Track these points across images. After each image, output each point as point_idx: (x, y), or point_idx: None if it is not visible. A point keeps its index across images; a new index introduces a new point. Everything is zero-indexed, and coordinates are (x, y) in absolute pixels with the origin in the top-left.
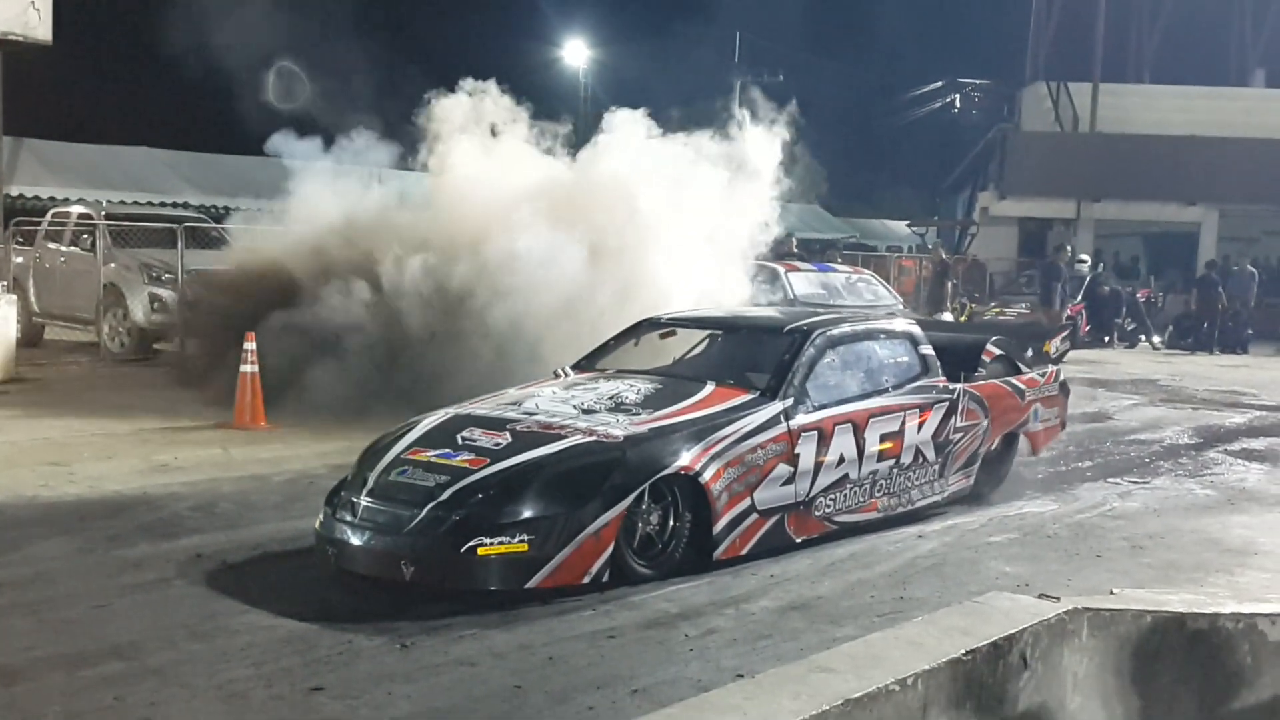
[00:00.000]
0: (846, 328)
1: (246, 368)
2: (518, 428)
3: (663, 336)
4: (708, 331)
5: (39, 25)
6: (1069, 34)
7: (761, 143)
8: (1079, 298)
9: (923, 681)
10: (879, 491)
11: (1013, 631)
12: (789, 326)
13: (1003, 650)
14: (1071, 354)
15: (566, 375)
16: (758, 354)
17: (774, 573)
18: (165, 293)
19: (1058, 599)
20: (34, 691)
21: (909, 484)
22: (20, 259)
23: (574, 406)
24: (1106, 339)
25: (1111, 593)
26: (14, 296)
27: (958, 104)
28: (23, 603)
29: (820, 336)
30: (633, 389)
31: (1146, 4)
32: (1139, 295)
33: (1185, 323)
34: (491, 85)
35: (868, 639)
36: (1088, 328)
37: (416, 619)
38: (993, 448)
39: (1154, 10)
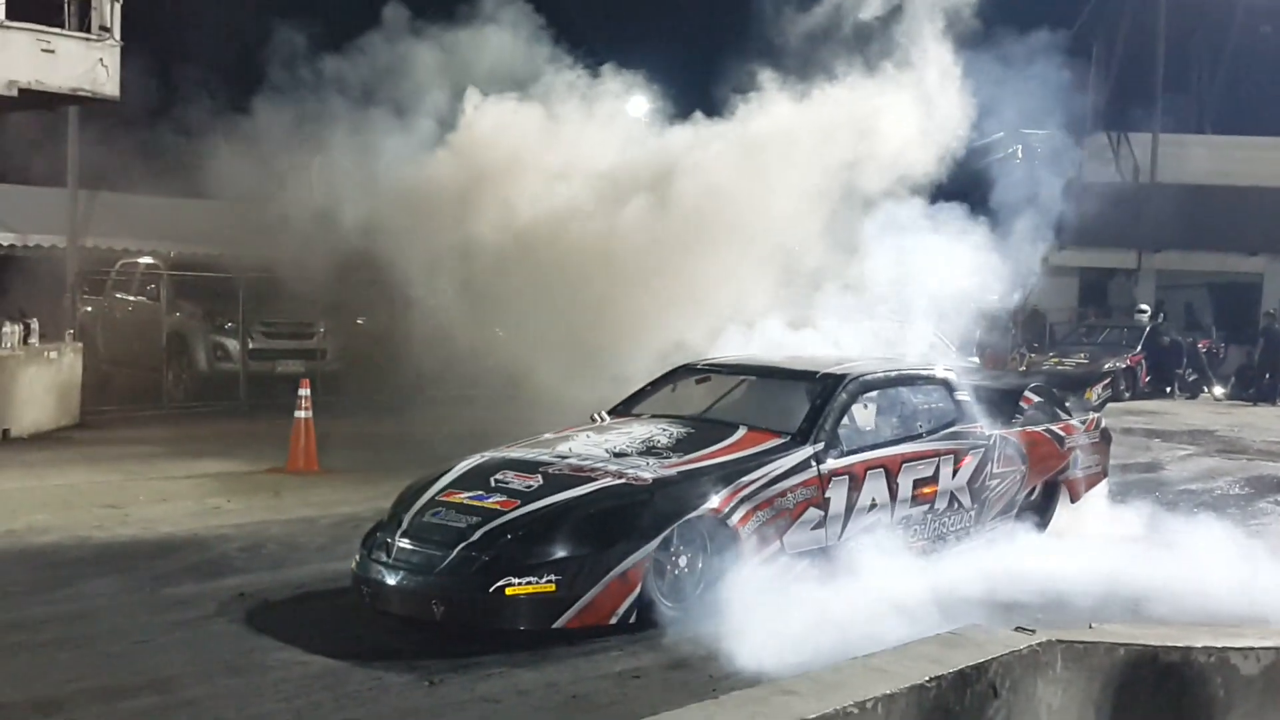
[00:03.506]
0: (880, 373)
1: (300, 413)
2: (549, 470)
3: (699, 382)
4: (743, 377)
5: (107, 82)
6: (1129, 84)
7: None
8: (1138, 348)
9: (883, 706)
10: (912, 537)
11: (981, 661)
12: (822, 372)
13: (970, 679)
14: (1131, 405)
15: (603, 420)
16: (791, 399)
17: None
18: (228, 342)
19: (1033, 631)
20: None
21: (944, 530)
22: (89, 308)
23: (606, 450)
24: (1168, 389)
25: (1090, 626)
26: (80, 344)
27: (1020, 154)
28: (68, 637)
29: (853, 382)
30: (665, 433)
31: (1207, 54)
32: (1200, 346)
33: (1247, 374)
34: None
35: (836, 665)
36: (1148, 378)
37: (447, 657)
38: (1033, 495)
39: (1214, 60)
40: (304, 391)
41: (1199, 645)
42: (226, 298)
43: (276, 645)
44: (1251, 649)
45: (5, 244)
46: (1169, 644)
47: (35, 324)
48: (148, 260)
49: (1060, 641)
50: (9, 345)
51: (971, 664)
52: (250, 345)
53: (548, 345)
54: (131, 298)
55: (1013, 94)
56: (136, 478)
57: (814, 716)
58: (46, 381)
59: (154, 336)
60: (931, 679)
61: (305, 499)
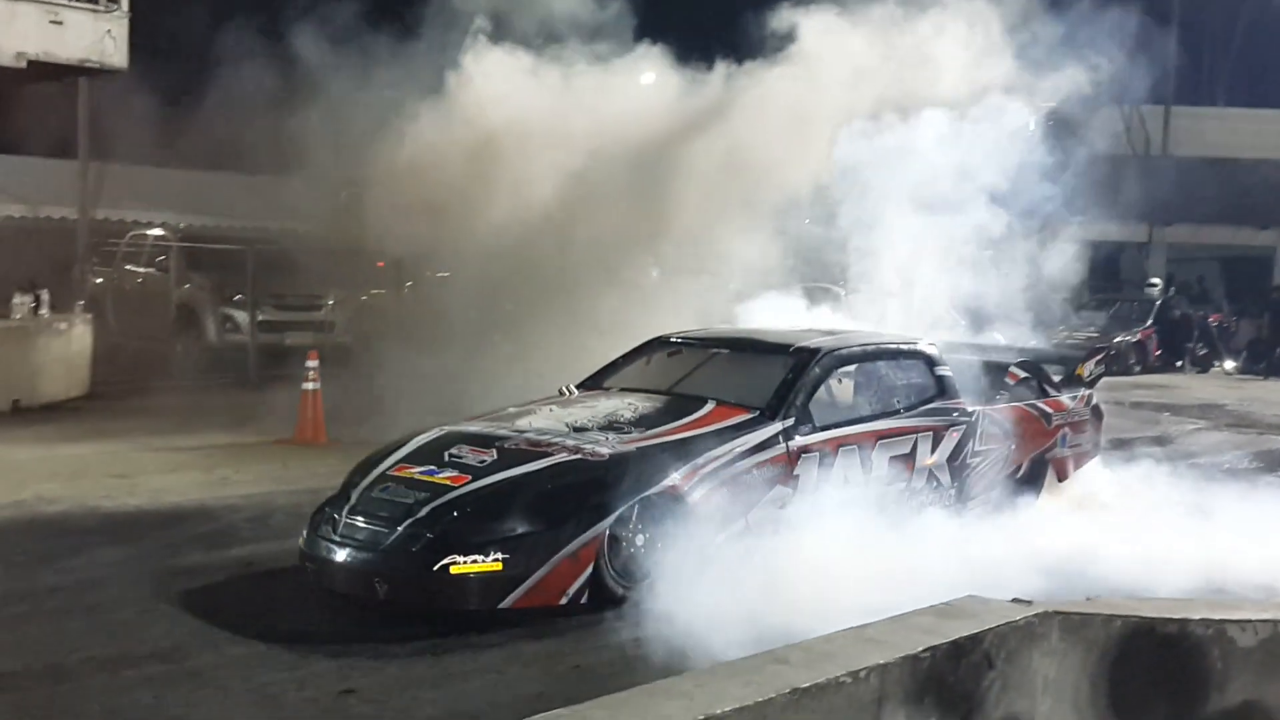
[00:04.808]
0: (856, 348)
1: (308, 385)
2: (505, 445)
3: (671, 355)
4: (717, 350)
5: (115, 53)
6: (1142, 57)
7: None
8: (1149, 322)
9: (876, 675)
10: (887, 515)
11: (976, 631)
12: (796, 345)
13: (965, 649)
14: (1141, 378)
15: (571, 394)
16: (763, 373)
17: None
18: (237, 314)
19: (1030, 602)
20: (77, 690)
21: (921, 508)
22: (100, 280)
23: (566, 424)
24: (1178, 363)
25: (1088, 599)
26: (90, 316)
27: (1032, 126)
28: (76, 606)
29: (827, 356)
30: (631, 407)
31: (1221, 27)
32: (1211, 320)
33: (1258, 347)
34: None
35: (828, 634)
36: (1158, 352)
37: (450, 627)
38: (1018, 474)
39: (1229, 33)
40: (312, 363)
41: (1196, 618)
42: (236, 270)
43: (282, 615)
44: (1249, 621)
45: (16, 215)
46: (1166, 616)
47: (46, 295)
48: (158, 232)
49: (1057, 613)
50: (19, 316)
51: (966, 635)
52: (259, 317)
53: (556, 318)
54: (141, 269)
55: (1026, 65)
56: (145, 448)
57: (806, 685)
58: (56, 352)
59: (163, 308)
60: (926, 649)
61: (312, 470)
